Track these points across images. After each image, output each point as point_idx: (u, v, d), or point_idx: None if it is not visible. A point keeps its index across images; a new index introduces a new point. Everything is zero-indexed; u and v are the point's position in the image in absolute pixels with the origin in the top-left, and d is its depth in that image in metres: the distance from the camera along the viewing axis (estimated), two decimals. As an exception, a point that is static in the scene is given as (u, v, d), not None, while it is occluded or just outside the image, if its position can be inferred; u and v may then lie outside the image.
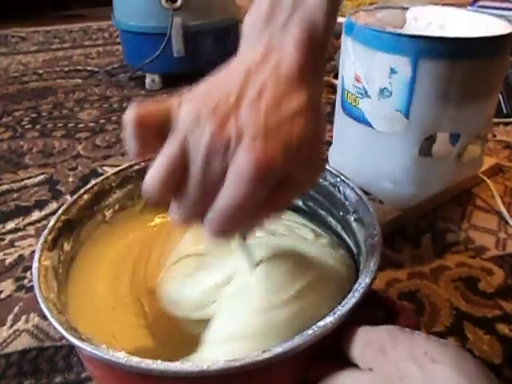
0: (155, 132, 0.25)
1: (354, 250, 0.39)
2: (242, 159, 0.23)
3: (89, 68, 1.17)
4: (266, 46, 0.28)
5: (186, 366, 0.24)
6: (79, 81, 1.09)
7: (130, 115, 0.25)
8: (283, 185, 0.25)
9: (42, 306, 0.29)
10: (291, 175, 0.25)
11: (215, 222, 0.25)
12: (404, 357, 0.24)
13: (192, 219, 0.26)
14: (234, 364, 0.24)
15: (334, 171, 0.41)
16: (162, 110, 0.25)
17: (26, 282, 0.49)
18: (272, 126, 0.24)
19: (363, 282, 0.30)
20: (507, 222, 0.57)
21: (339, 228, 0.42)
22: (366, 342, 0.27)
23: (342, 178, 0.41)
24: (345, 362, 0.27)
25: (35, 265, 0.32)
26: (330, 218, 0.43)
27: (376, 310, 0.32)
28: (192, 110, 0.24)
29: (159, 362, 0.25)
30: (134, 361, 0.25)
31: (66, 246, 0.36)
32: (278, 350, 0.25)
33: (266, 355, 0.25)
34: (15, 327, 0.44)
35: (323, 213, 0.44)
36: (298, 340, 0.26)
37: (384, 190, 0.56)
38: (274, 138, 0.24)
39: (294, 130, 0.25)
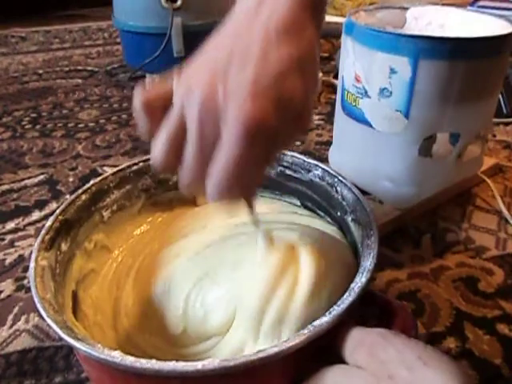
0: (162, 110, 0.27)
1: (352, 250, 0.39)
2: (233, 119, 0.24)
3: (89, 68, 1.17)
4: None
5: (181, 365, 0.24)
6: (79, 81, 1.09)
7: (138, 100, 0.27)
8: (274, 140, 0.26)
9: (38, 305, 0.29)
10: (281, 130, 0.26)
11: (215, 183, 0.26)
12: (395, 359, 0.24)
13: (195, 183, 0.27)
14: (229, 363, 0.24)
15: (332, 171, 0.41)
16: (164, 91, 0.28)
17: (25, 282, 0.49)
18: (261, 84, 0.25)
19: (359, 281, 0.29)
20: (507, 222, 0.57)
21: (337, 228, 0.42)
22: (358, 342, 0.26)
23: (340, 178, 0.41)
24: (337, 361, 0.27)
25: (32, 265, 0.32)
26: (327, 219, 0.43)
27: (372, 310, 0.31)
28: (184, 82, 0.27)
29: (153, 361, 0.24)
30: (129, 360, 0.25)
31: (64, 246, 0.36)
32: (274, 349, 0.25)
33: (261, 355, 0.25)
34: (15, 327, 0.44)
35: (321, 213, 0.44)
36: (293, 339, 0.25)
37: (384, 189, 0.56)
38: (263, 95, 0.25)
39: (283, 85, 0.25)
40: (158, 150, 0.27)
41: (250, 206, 0.32)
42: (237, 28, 0.27)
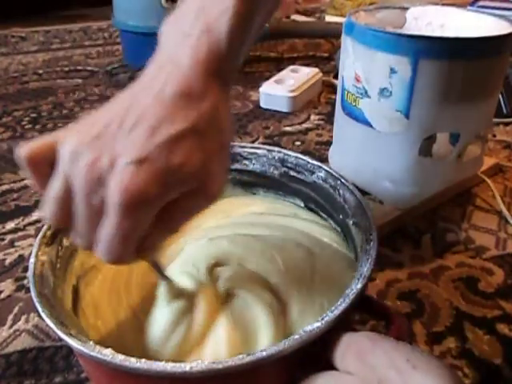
0: (48, 166, 0.26)
1: (353, 254, 0.39)
2: (111, 191, 0.24)
3: (89, 68, 1.17)
4: (162, 58, 0.28)
5: (169, 366, 0.24)
6: (79, 81, 1.09)
7: (21, 155, 0.25)
8: (171, 208, 0.26)
9: (35, 300, 0.29)
10: (177, 199, 0.25)
11: (102, 249, 0.25)
12: (383, 362, 0.24)
13: (87, 245, 0.27)
14: (217, 366, 0.24)
15: (335, 174, 0.41)
16: (47, 147, 0.26)
17: (25, 281, 0.49)
18: (146, 154, 0.24)
19: (354, 287, 0.29)
20: (507, 222, 0.57)
21: (339, 231, 0.42)
22: (347, 346, 0.26)
23: (343, 180, 0.40)
24: (329, 368, 0.27)
25: (32, 259, 0.32)
26: (330, 221, 0.43)
27: (368, 319, 0.31)
28: (70, 145, 0.25)
29: (143, 360, 0.25)
30: (119, 358, 0.25)
31: (66, 242, 0.36)
32: (262, 353, 0.25)
33: (250, 358, 0.24)
34: (15, 327, 0.44)
35: (324, 215, 0.44)
36: (283, 344, 0.25)
37: (384, 190, 0.56)
38: (148, 166, 0.24)
39: (171, 154, 0.24)
40: (47, 209, 0.26)
41: (152, 263, 0.32)
42: (133, 90, 0.27)
